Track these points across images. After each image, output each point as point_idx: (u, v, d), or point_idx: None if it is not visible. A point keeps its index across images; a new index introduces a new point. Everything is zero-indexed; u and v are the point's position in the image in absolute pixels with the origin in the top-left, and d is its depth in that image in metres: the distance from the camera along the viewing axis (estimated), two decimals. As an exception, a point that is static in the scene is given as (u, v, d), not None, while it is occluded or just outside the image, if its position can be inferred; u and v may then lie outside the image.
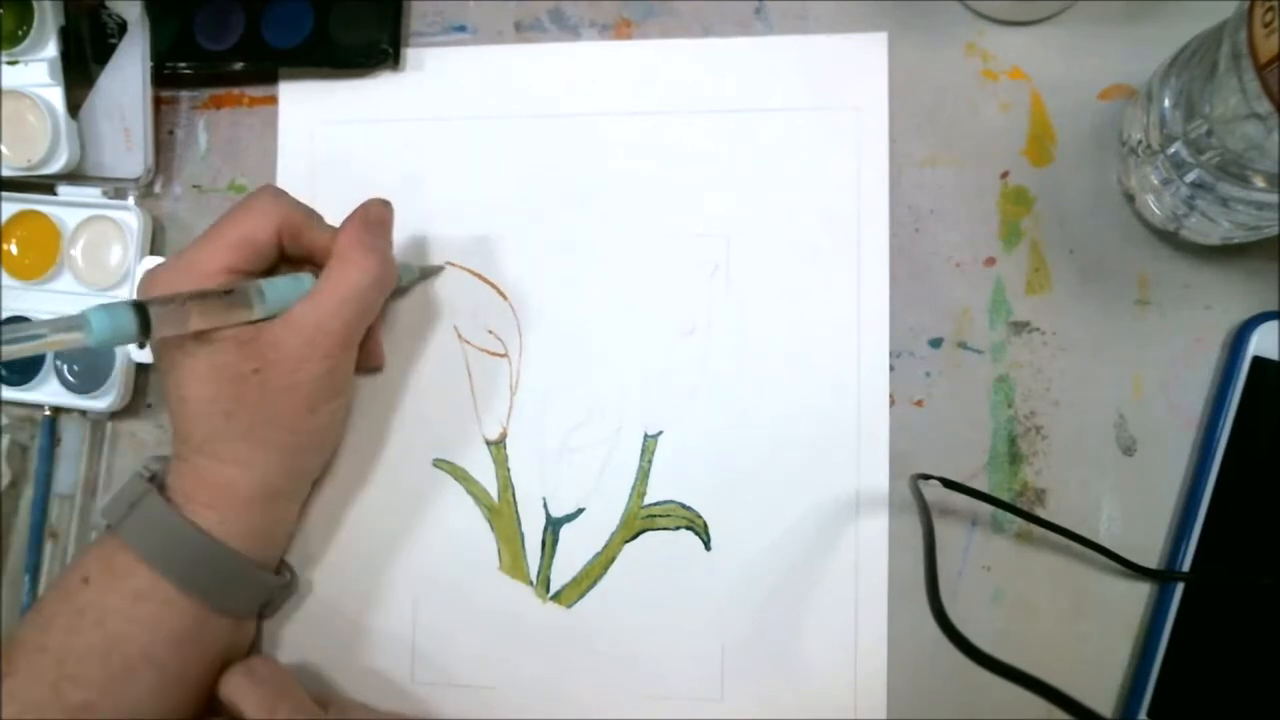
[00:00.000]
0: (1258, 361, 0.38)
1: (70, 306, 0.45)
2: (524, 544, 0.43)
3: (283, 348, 0.36)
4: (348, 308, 0.37)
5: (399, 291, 0.43)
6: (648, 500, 0.42)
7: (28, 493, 0.46)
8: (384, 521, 0.43)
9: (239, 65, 0.45)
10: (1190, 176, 0.35)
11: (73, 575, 0.37)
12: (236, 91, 0.46)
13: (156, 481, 0.38)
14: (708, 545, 0.42)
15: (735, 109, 0.43)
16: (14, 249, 0.46)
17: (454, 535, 0.43)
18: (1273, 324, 0.38)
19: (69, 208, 0.46)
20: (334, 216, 0.44)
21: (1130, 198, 0.40)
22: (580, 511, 0.42)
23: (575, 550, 0.42)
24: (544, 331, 0.43)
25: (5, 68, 0.44)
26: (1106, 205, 0.41)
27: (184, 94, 0.47)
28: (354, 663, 0.43)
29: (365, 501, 0.43)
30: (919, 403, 0.41)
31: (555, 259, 0.43)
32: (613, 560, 0.42)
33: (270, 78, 0.46)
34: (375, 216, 0.39)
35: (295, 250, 0.39)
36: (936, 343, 0.41)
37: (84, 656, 0.35)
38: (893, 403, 0.41)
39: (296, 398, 0.37)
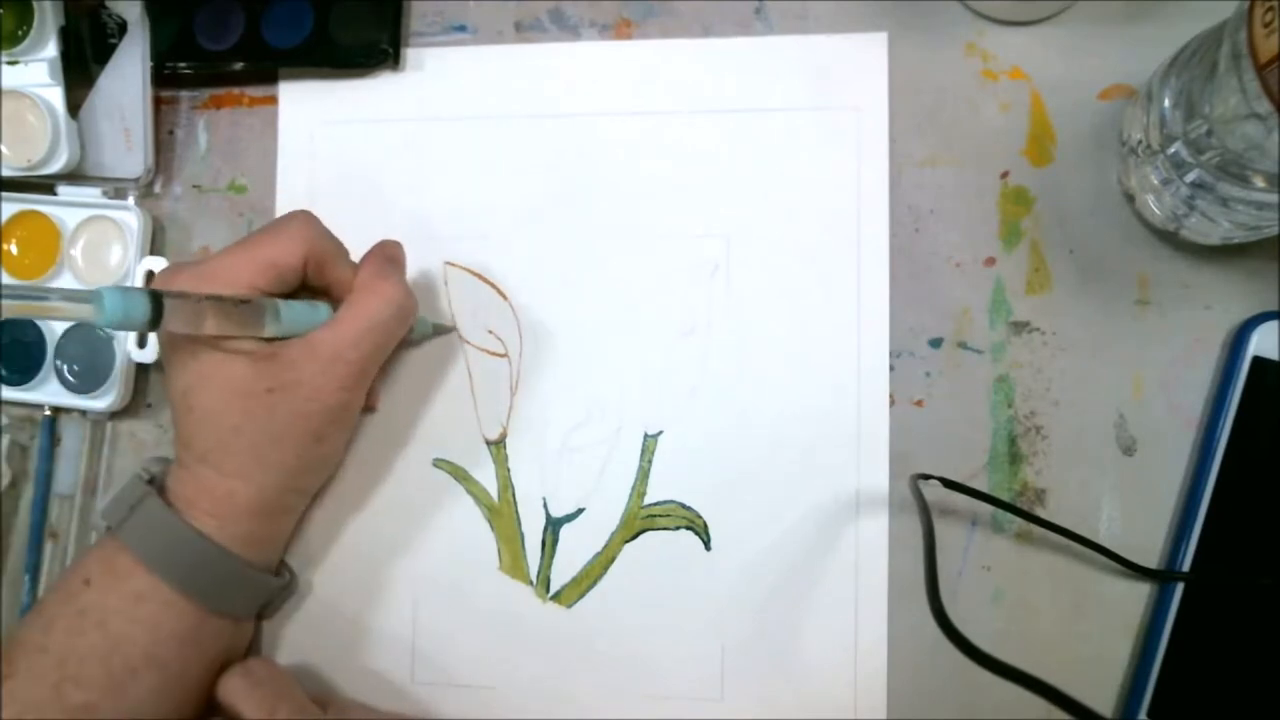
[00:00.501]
0: (1258, 361, 0.38)
1: (70, 306, 0.45)
2: (524, 544, 0.43)
3: (299, 371, 0.36)
4: (369, 338, 0.37)
5: (409, 343, 0.43)
6: (648, 500, 0.42)
7: (28, 493, 0.46)
8: (384, 521, 0.43)
9: (239, 65, 0.45)
10: (1190, 176, 0.35)
11: (74, 577, 0.37)
12: (236, 91, 0.46)
13: (156, 484, 0.38)
14: (708, 545, 0.42)
15: (735, 109, 0.43)
16: (14, 249, 0.46)
17: (454, 535, 0.43)
18: (1273, 324, 0.38)
19: (69, 208, 0.46)
20: (334, 217, 0.44)
21: (1130, 198, 0.40)
22: (580, 511, 0.42)
23: (575, 550, 0.42)
24: (544, 331, 0.43)
25: (5, 68, 0.44)
26: (1106, 205, 0.41)
27: (184, 94, 0.47)
28: (354, 663, 0.43)
29: (365, 501, 0.43)
30: (919, 403, 0.41)
31: (555, 259, 0.43)
32: (613, 560, 0.42)
33: (270, 78, 0.46)
34: (391, 254, 0.39)
35: (318, 281, 0.39)
36: (936, 343, 0.41)
37: (85, 657, 0.35)
38: (893, 403, 0.41)
39: (306, 424, 0.37)
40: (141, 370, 0.45)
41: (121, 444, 0.46)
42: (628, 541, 0.42)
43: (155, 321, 0.32)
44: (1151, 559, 0.39)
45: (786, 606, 0.41)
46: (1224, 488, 0.38)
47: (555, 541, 0.42)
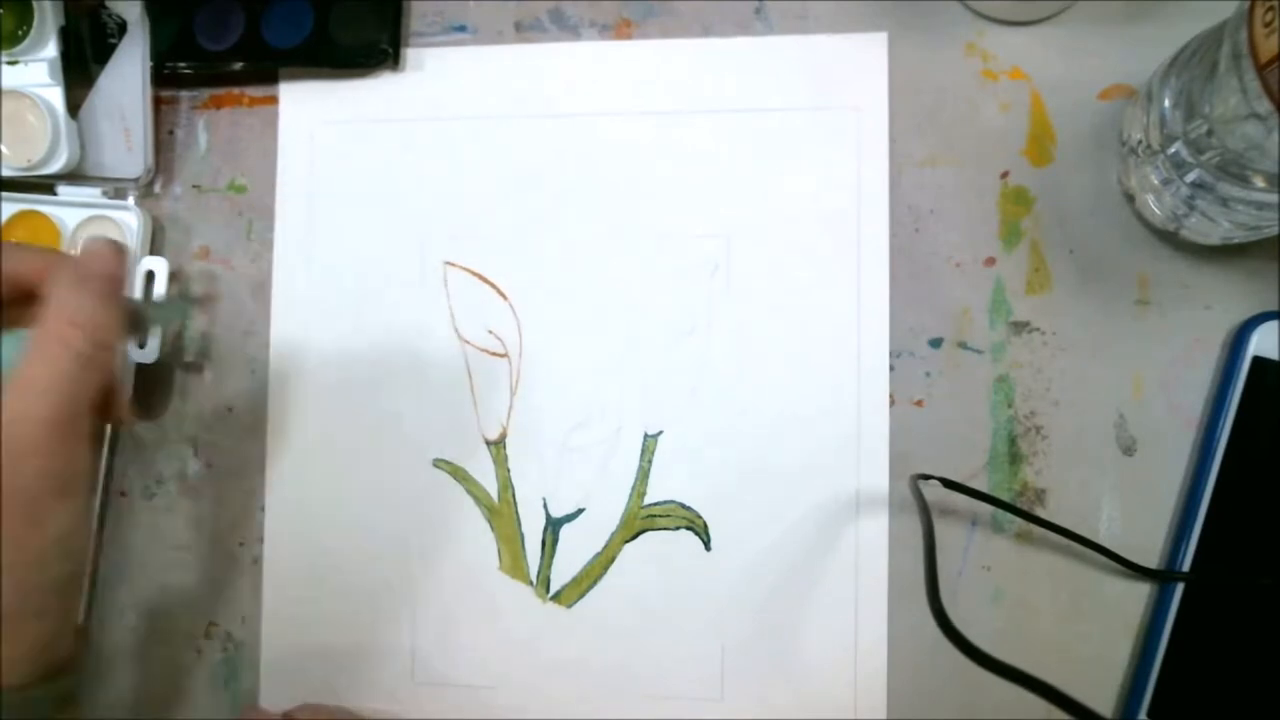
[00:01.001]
0: (1258, 361, 0.38)
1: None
2: (524, 544, 0.43)
3: None
4: (54, 392, 0.30)
5: (163, 330, 0.38)
6: (648, 500, 0.42)
7: (28, 493, 0.46)
8: (384, 521, 0.43)
9: (239, 65, 0.45)
10: (1190, 176, 0.35)
11: None
12: (236, 91, 0.46)
13: None
14: (708, 545, 0.42)
15: (735, 109, 0.43)
16: (14, 249, 0.46)
17: (454, 535, 0.43)
18: (1273, 324, 0.38)
19: (69, 208, 0.46)
20: (334, 217, 0.44)
21: (1130, 198, 0.40)
22: (580, 511, 0.42)
23: (575, 550, 0.42)
24: (544, 331, 0.43)
25: (5, 68, 0.44)
26: (1106, 205, 0.41)
27: (184, 94, 0.47)
28: (354, 663, 0.43)
29: (365, 501, 0.43)
30: (919, 403, 0.41)
31: (555, 259, 0.43)
32: (613, 560, 0.42)
33: (270, 78, 0.46)
34: (99, 269, 0.32)
35: (12, 295, 0.32)
36: (936, 343, 0.41)
37: None
38: (893, 403, 0.41)
39: (11, 508, 0.29)
40: (141, 370, 0.45)
41: (121, 444, 0.46)
42: (628, 541, 0.42)
43: None
44: (1151, 559, 0.39)
45: (786, 606, 0.41)
46: (1224, 488, 0.38)
47: (555, 541, 0.42)
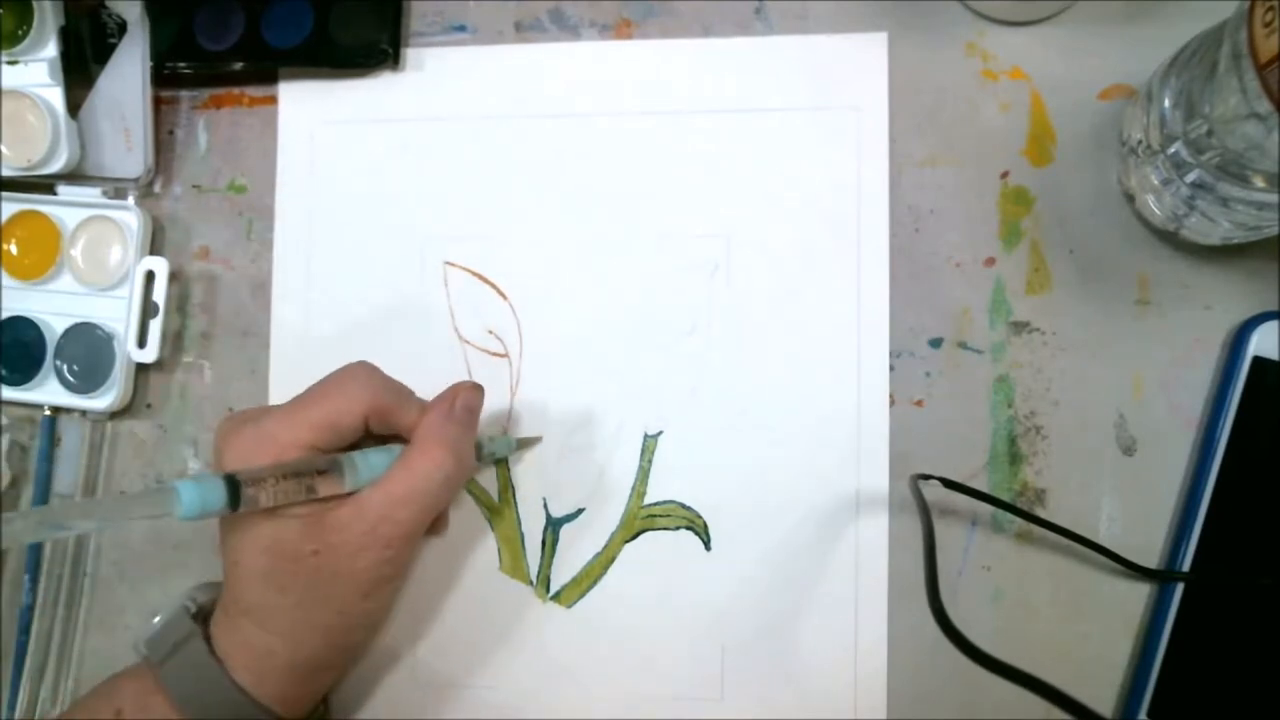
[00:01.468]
0: (1258, 361, 0.38)
1: (70, 306, 0.45)
2: (524, 544, 0.43)
3: (345, 532, 0.35)
4: (416, 502, 0.35)
5: (493, 462, 0.43)
6: (648, 500, 0.42)
7: (28, 493, 0.46)
8: (384, 521, 0.43)
9: (239, 65, 0.45)
10: (1190, 176, 0.35)
11: (104, 702, 0.36)
12: (236, 91, 0.46)
13: (201, 615, 0.37)
14: (708, 545, 0.42)
15: (735, 109, 0.43)
16: (14, 249, 0.46)
17: (454, 535, 0.43)
18: (1273, 324, 0.38)
19: (69, 208, 0.46)
20: (334, 217, 0.44)
21: (1130, 198, 0.40)
22: (580, 511, 0.42)
23: (575, 550, 0.42)
24: (544, 331, 0.43)
25: (5, 68, 0.44)
26: (1106, 205, 0.41)
27: (184, 94, 0.47)
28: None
29: (365, 501, 0.43)
30: (919, 403, 0.41)
31: (555, 259, 0.43)
32: (613, 560, 0.42)
33: (270, 78, 0.46)
34: (463, 404, 0.38)
35: (381, 430, 0.37)
36: (936, 343, 0.41)
37: None
38: (893, 403, 0.41)
39: (352, 584, 0.35)
40: (141, 370, 0.45)
41: (121, 444, 0.46)
42: (628, 541, 0.42)
43: (234, 503, 0.32)
44: (1151, 559, 0.39)
45: (786, 606, 0.41)
46: (1224, 488, 0.38)
47: (555, 541, 0.42)
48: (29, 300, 0.46)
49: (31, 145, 0.44)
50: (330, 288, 0.44)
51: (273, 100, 0.46)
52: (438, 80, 0.45)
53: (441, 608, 0.43)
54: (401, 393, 0.38)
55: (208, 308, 0.45)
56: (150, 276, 0.44)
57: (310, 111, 0.45)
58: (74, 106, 0.45)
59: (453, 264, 0.44)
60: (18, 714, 0.44)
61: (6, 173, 0.45)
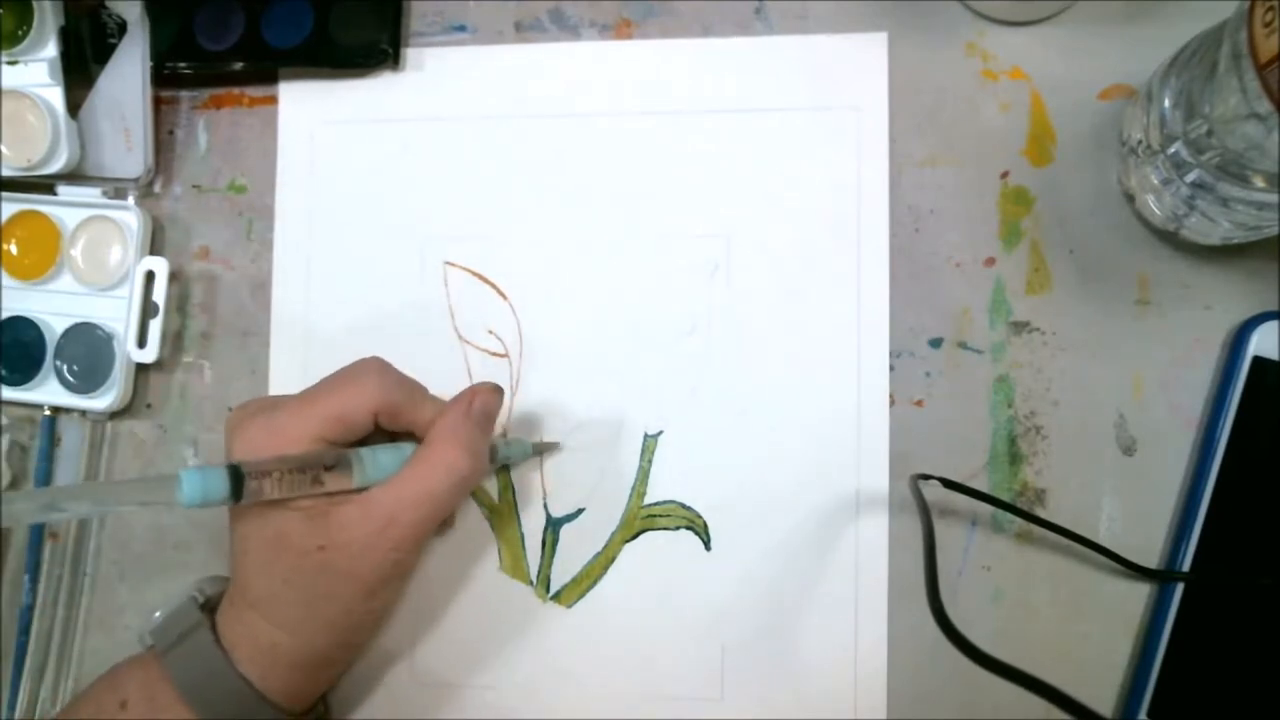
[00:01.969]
0: (1258, 361, 0.38)
1: (70, 306, 0.45)
2: (524, 544, 0.43)
3: (352, 531, 0.34)
4: (427, 503, 0.35)
5: (507, 465, 0.42)
6: (648, 500, 0.42)
7: (28, 493, 0.46)
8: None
9: (239, 65, 0.45)
10: (1190, 176, 0.35)
11: (109, 691, 0.36)
12: (236, 91, 0.46)
13: (208, 606, 0.37)
14: (708, 545, 0.42)
15: (735, 109, 0.43)
16: (14, 249, 0.46)
17: (454, 535, 0.43)
18: (1273, 324, 0.38)
19: (69, 208, 0.46)
20: (334, 217, 0.44)
21: (1130, 198, 0.40)
22: (580, 511, 0.42)
23: (575, 550, 0.42)
24: (544, 331, 0.43)
25: (5, 68, 0.44)
26: (1106, 205, 0.41)
27: (184, 94, 0.47)
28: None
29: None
30: (919, 403, 0.41)
31: (555, 259, 0.43)
32: (613, 560, 0.42)
33: (270, 78, 0.46)
34: (480, 406, 0.37)
35: (392, 427, 0.37)
36: (936, 343, 0.41)
37: None
38: (893, 403, 0.41)
39: (357, 582, 0.35)
40: (141, 370, 0.45)
41: (121, 444, 0.46)
42: (628, 541, 0.42)
43: (237, 494, 0.32)
44: (1151, 559, 0.39)
45: (786, 606, 0.41)
46: (1224, 488, 0.38)
47: (555, 541, 0.42)
48: (29, 300, 0.46)
49: (31, 145, 0.44)
50: (330, 288, 0.44)
51: (273, 100, 0.46)
52: (438, 80, 0.45)
53: (441, 607, 0.43)
54: (414, 390, 0.37)
55: (208, 308, 0.45)
56: (150, 276, 0.44)
57: (310, 111, 0.45)
58: (74, 106, 0.45)
59: (453, 264, 0.44)
60: (18, 714, 0.44)
61: (6, 173, 0.45)
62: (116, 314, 0.45)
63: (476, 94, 0.44)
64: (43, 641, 0.45)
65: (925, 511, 0.36)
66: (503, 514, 0.43)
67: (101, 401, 0.44)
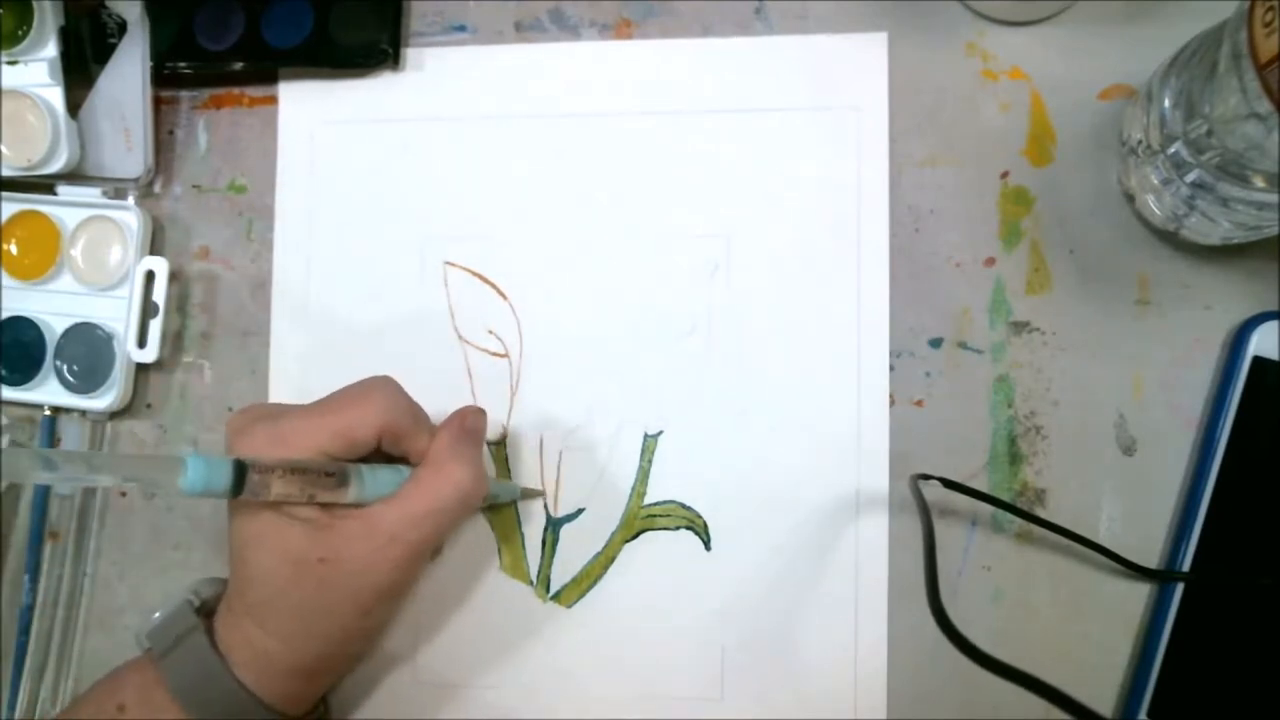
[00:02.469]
0: (1258, 361, 0.38)
1: (70, 306, 0.45)
2: (524, 544, 0.43)
3: (354, 546, 0.34)
4: (430, 521, 0.35)
5: (495, 506, 0.42)
6: (648, 500, 0.42)
7: (28, 493, 0.46)
8: (384, 521, 0.43)
9: (239, 65, 0.45)
10: (1190, 176, 0.35)
11: (108, 697, 0.36)
12: (236, 91, 0.46)
13: (205, 610, 0.37)
14: (708, 545, 0.42)
15: (735, 109, 0.43)
16: (14, 249, 0.46)
17: (454, 535, 0.43)
18: (1273, 324, 0.38)
19: (69, 208, 0.46)
20: (334, 217, 0.44)
21: (1130, 198, 0.40)
22: (580, 511, 0.42)
23: (575, 550, 0.42)
24: (544, 331, 0.43)
25: (5, 68, 0.44)
26: (1106, 205, 0.41)
27: (184, 94, 0.47)
28: (354, 663, 0.43)
29: (365, 501, 0.43)
30: (919, 403, 0.41)
31: (555, 259, 0.43)
32: (613, 560, 0.42)
33: (270, 78, 0.46)
34: (470, 425, 0.38)
35: (392, 449, 0.37)
36: (936, 343, 0.41)
37: None
38: (893, 403, 0.41)
39: (355, 598, 0.35)
40: (141, 370, 0.45)
41: (121, 444, 0.46)
42: (628, 541, 0.42)
43: (238, 488, 0.32)
44: (1151, 559, 0.39)
45: (786, 606, 0.41)
46: (1224, 488, 0.38)
47: (555, 541, 0.42)
48: (29, 300, 0.46)
49: (31, 145, 0.44)
50: (330, 287, 0.44)
51: (273, 100, 0.46)
52: (438, 80, 0.45)
53: (442, 608, 0.43)
54: (418, 416, 0.37)
55: (208, 308, 0.45)
56: (150, 276, 0.44)
57: (310, 111, 0.45)
58: (74, 106, 0.45)
59: (453, 264, 0.44)
60: (18, 714, 0.44)
61: (6, 173, 0.45)
62: (116, 314, 0.45)
63: (476, 94, 0.44)
64: (43, 641, 0.45)
65: (925, 511, 0.36)
66: (503, 514, 0.43)
67: (101, 401, 0.44)
